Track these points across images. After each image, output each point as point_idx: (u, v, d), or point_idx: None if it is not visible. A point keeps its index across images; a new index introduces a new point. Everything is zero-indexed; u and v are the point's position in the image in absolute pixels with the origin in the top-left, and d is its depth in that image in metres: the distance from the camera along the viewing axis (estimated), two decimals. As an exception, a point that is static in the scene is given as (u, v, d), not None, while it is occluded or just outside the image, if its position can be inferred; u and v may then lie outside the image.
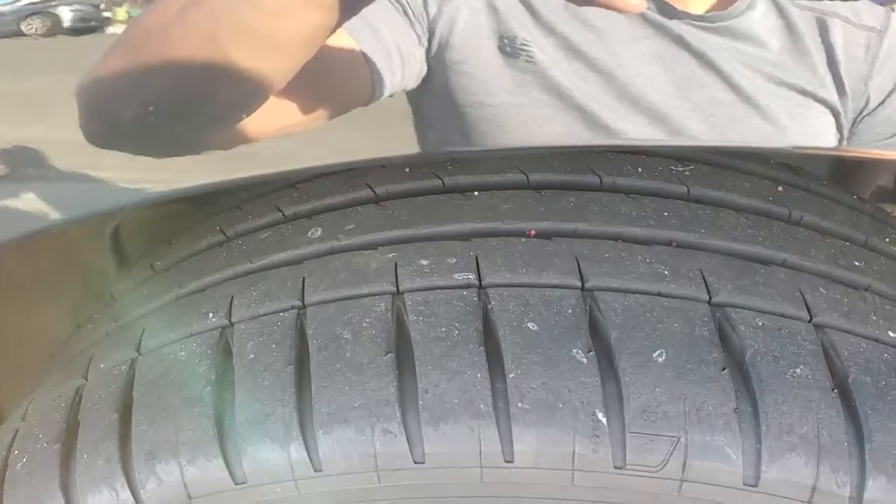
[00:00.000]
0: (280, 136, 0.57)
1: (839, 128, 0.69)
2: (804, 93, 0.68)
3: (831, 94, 0.68)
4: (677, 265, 0.59)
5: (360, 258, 0.61)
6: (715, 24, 0.69)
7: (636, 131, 0.68)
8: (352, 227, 0.63)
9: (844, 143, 0.69)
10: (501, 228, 0.62)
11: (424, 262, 0.59)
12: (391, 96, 0.65)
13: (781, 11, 0.68)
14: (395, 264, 0.59)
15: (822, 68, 0.68)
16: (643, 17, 0.67)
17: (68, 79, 0.51)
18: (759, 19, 0.69)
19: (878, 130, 0.69)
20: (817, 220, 0.67)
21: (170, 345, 0.59)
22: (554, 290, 0.56)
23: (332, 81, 0.60)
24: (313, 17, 0.48)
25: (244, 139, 0.55)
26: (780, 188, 0.69)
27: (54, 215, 0.59)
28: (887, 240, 0.68)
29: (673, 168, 0.67)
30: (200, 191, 0.57)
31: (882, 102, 0.69)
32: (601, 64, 0.68)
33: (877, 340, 0.57)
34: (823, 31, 0.68)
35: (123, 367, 0.60)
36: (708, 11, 0.69)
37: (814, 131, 0.69)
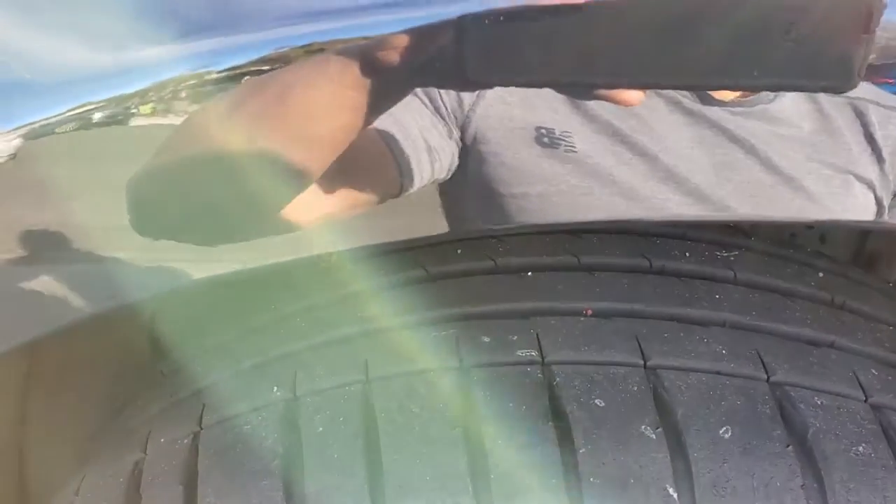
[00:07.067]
0: (317, 224, 0.59)
1: (878, 202, 0.73)
2: (842, 171, 0.72)
3: (869, 172, 0.72)
4: (734, 345, 0.60)
5: (421, 334, 0.62)
6: (750, 110, 0.72)
7: (680, 210, 0.71)
8: (410, 305, 0.65)
9: (885, 216, 0.72)
10: (559, 308, 0.63)
11: (486, 339, 0.60)
12: (422, 188, 0.68)
13: (811, 96, 0.72)
14: (457, 339, 0.60)
15: (858, 147, 0.72)
16: (682, 105, 0.70)
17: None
18: (790, 104, 0.73)
19: None
20: (858, 305, 0.69)
21: (233, 418, 0.59)
22: (618, 368, 0.57)
23: (361, 175, 0.62)
24: (339, 120, 0.51)
25: (284, 228, 0.57)
26: (820, 274, 0.72)
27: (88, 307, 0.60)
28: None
29: (718, 254, 0.70)
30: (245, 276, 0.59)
31: None
32: (645, 148, 0.71)
33: (930, 420, 0.59)
34: (858, 114, 0.72)
35: (186, 440, 0.60)
36: (743, 98, 0.72)
37: (854, 207, 0.72)
